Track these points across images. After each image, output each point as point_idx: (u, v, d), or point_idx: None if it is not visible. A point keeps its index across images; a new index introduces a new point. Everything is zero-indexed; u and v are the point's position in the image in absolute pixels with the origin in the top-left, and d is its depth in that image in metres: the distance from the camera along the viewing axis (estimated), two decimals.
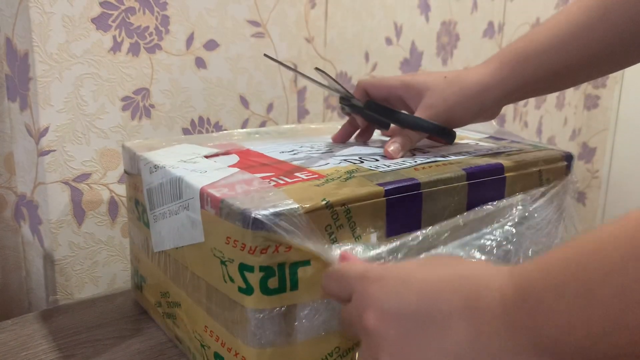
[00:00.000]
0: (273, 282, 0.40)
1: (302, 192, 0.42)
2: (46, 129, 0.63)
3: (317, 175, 0.46)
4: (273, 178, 0.45)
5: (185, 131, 0.75)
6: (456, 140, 0.60)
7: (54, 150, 0.64)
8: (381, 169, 0.48)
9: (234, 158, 0.52)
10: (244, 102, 0.81)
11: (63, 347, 0.53)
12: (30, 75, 0.61)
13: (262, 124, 0.84)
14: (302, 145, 0.58)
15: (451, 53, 1.17)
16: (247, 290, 0.40)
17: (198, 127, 0.76)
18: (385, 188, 0.44)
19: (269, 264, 0.39)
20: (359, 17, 0.94)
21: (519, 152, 0.56)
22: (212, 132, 0.78)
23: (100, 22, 0.65)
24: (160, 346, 0.53)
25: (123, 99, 0.68)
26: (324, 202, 0.40)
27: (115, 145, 0.68)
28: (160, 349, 0.52)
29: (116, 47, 0.67)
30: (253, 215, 0.38)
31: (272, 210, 0.39)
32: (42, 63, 0.61)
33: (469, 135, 0.65)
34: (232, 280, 0.41)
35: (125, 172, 0.59)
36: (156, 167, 0.50)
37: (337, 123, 0.69)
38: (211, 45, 0.75)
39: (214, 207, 0.42)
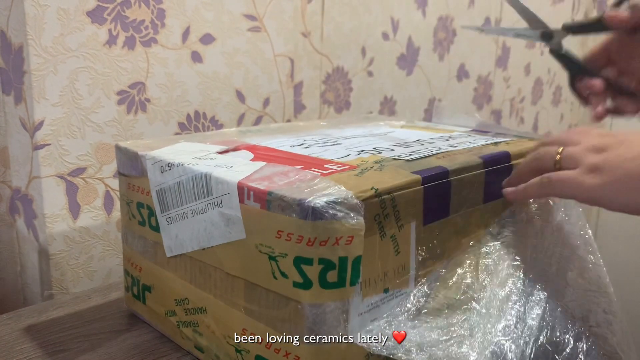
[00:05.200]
0: (332, 276, 0.38)
1: (347, 182, 0.40)
2: (41, 123, 0.63)
3: (348, 166, 0.45)
4: (306, 170, 0.43)
5: (181, 125, 0.75)
6: (446, 133, 0.60)
7: (49, 144, 0.63)
8: (405, 158, 0.48)
9: (248, 154, 0.50)
10: (240, 96, 0.81)
11: (58, 341, 0.52)
12: (25, 68, 0.61)
13: (259, 119, 0.84)
14: (306, 139, 0.56)
15: (448, 48, 1.17)
16: (305, 284, 0.38)
17: (194, 121, 0.76)
18: (423, 176, 0.43)
19: (329, 256, 0.38)
20: (356, 12, 0.94)
21: (513, 142, 0.57)
22: (209, 126, 0.78)
23: (95, 15, 0.64)
24: (156, 340, 0.53)
25: (118, 93, 0.68)
26: (373, 191, 0.39)
27: (110, 139, 0.68)
28: (156, 343, 0.52)
29: (112, 40, 0.66)
30: (312, 205, 0.36)
31: (329, 199, 0.37)
32: (37, 56, 0.61)
33: (455, 128, 0.65)
34: (284, 275, 0.39)
35: (120, 173, 0.54)
36: (170, 165, 0.47)
37: (323, 121, 0.68)
38: (207, 39, 0.75)
39: (258, 200, 0.39)
